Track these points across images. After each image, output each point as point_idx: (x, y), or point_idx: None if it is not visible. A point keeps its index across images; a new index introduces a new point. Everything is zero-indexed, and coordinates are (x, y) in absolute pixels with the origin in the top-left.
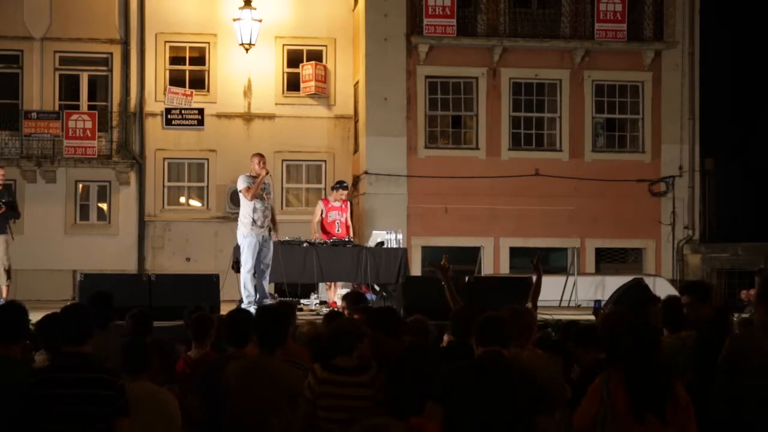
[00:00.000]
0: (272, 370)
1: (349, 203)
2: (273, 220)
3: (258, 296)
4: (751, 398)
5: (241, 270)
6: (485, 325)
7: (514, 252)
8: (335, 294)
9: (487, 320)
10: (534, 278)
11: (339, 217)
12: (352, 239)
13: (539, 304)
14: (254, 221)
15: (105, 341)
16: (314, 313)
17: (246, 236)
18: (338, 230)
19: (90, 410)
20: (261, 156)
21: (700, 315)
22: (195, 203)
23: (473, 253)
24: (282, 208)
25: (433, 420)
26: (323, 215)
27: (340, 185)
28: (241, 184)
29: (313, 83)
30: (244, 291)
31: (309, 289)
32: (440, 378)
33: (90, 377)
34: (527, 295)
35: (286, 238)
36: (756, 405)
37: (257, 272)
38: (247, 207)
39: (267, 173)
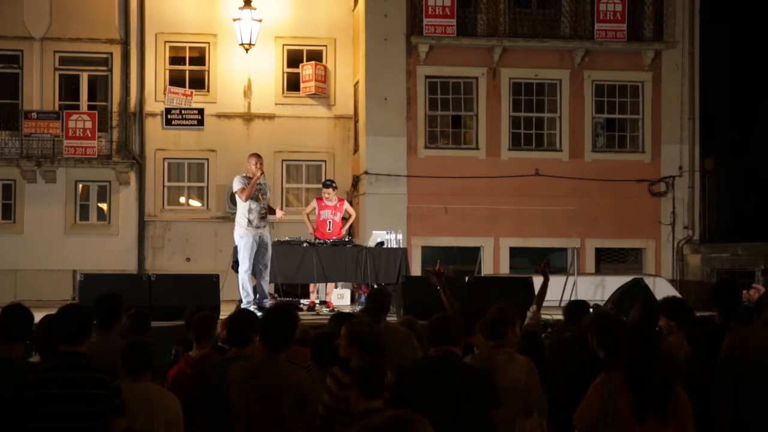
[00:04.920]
0: (278, 372)
1: (345, 203)
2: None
3: (258, 297)
4: (750, 391)
5: (239, 270)
6: (435, 326)
7: (514, 252)
8: (331, 293)
9: (437, 321)
10: (536, 280)
11: (332, 217)
12: (351, 239)
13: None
14: (250, 221)
15: (108, 343)
16: (314, 313)
17: (242, 236)
18: (329, 229)
19: (84, 409)
20: (257, 156)
21: None
22: (195, 203)
23: (473, 253)
24: (282, 209)
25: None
26: (316, 213)
27: (324, 184)
28: (236, 185)
29: (313, 83)
30: (243, 291)
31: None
32: (395, 381)
33: (85, 376)
34: (528, 295)
35: (286, 238)
36: (755, 398)
37: (256, 273)
38: (243, 207)
39: (261, 173)
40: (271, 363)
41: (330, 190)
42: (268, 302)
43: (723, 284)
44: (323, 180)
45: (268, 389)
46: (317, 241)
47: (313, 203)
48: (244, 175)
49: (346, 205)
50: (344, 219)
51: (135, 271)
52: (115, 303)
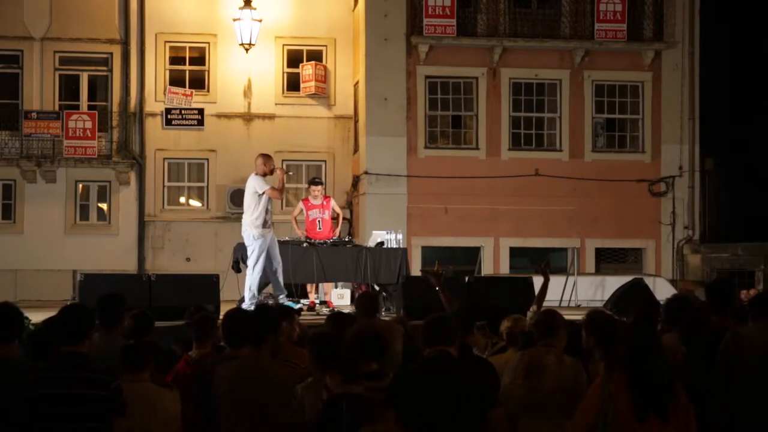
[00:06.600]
0: (265, 371)
1: (331, 200)
2: None
3: (276, 293)
4: (745, 390)
5: (251, 272)
6: (430, 326)
7: (514, 252)
8: (329, 293)
9: (432, 321)
10: (536, 280)
11: (320, 215)
12: (351, 239)
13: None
14: (266, 221)
15: (111, 343)
16: (314, 313)
17: (257, 238)
18: (319, 228)
19: (84, 410)
20: (270, 156)
21: None
22: (195, 203)
23: (473, 253)
24: (282, 208)
25: (392, 425)
26: (304, 215)
27: (312, 181)
28: (263, 185)
29: (313, 83)
30: (249, 293)
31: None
32: (390, 383)
33: (85, 377)
34: (528, 295)
35: (286, 238)
36: (751, 397)
37: (272, 271)
38: (260, 208)
39: (285, 172)
40: (258, 362)
41: (319, 187)
42: (283, 297)
43: (717, 284)
44: (310, 178)
45: (256, 389)
46: (317, 241)
47: (300, 205)
48: (260, 175)
49: (333, 203)
50: (333, 219)
51: (135, 271)
52: (118, 303)
